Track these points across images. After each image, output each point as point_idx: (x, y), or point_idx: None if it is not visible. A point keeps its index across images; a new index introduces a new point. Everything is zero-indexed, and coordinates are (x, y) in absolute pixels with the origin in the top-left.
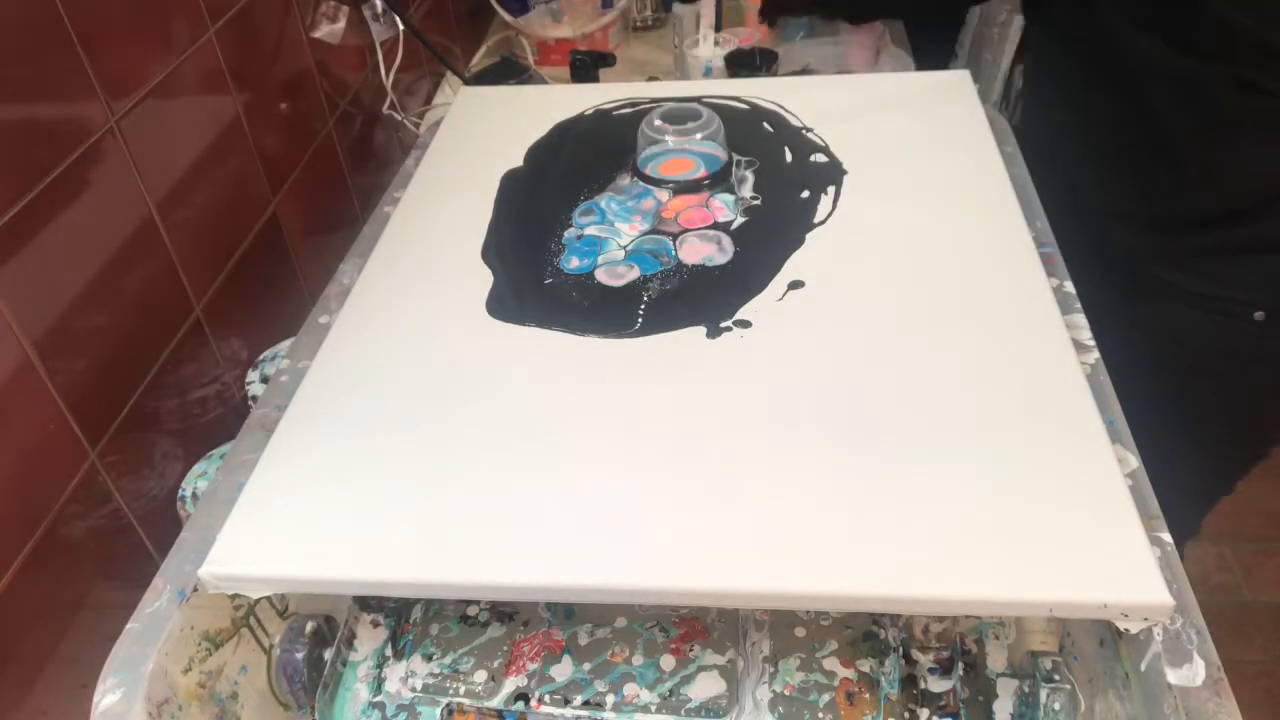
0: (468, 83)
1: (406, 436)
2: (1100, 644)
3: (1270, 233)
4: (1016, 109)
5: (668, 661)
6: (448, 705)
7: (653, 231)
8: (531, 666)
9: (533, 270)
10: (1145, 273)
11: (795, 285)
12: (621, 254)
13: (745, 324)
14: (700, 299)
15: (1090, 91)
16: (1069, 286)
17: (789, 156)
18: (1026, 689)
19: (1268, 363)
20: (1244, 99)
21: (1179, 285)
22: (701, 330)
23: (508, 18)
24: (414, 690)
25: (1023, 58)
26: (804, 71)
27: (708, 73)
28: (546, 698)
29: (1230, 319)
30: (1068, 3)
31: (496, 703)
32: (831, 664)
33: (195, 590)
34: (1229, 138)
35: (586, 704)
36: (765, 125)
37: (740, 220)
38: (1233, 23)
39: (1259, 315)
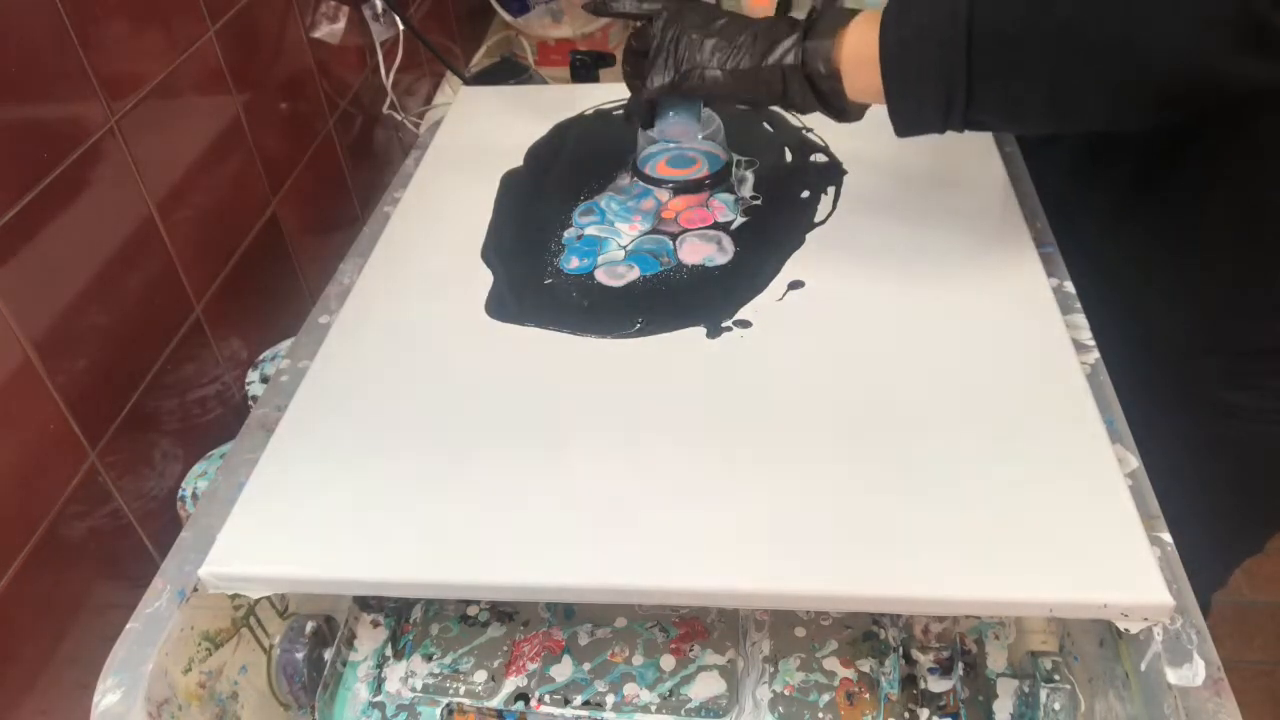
0: (468, 83)
1: (406, 436)
2: (1100, 644)
3: None
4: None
5: (668, 661)
6: (448, 705)
7: (653, 231)
8: (531, 666)
9: (533, 270)
10: (1224, 399)
11: (795, 285)
12: (621, 254)
13: (745, 324)
14: (700, 299)
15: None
16: (1069, 286)
17: (789, 156)
18: (1026, 689)
19: None
20: None
21: (1243, 403)
22: (701, 330)
23: (508, 18)
24: (414, 690)
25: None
26: None
27: None
28: (546, 698)
29: None
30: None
31: (496, 703)
32: (831, 664)
33: (195, 590)
34: None
35: (586, 704)
36: (765, 125)
37: (740, 220)
38: None
39: None
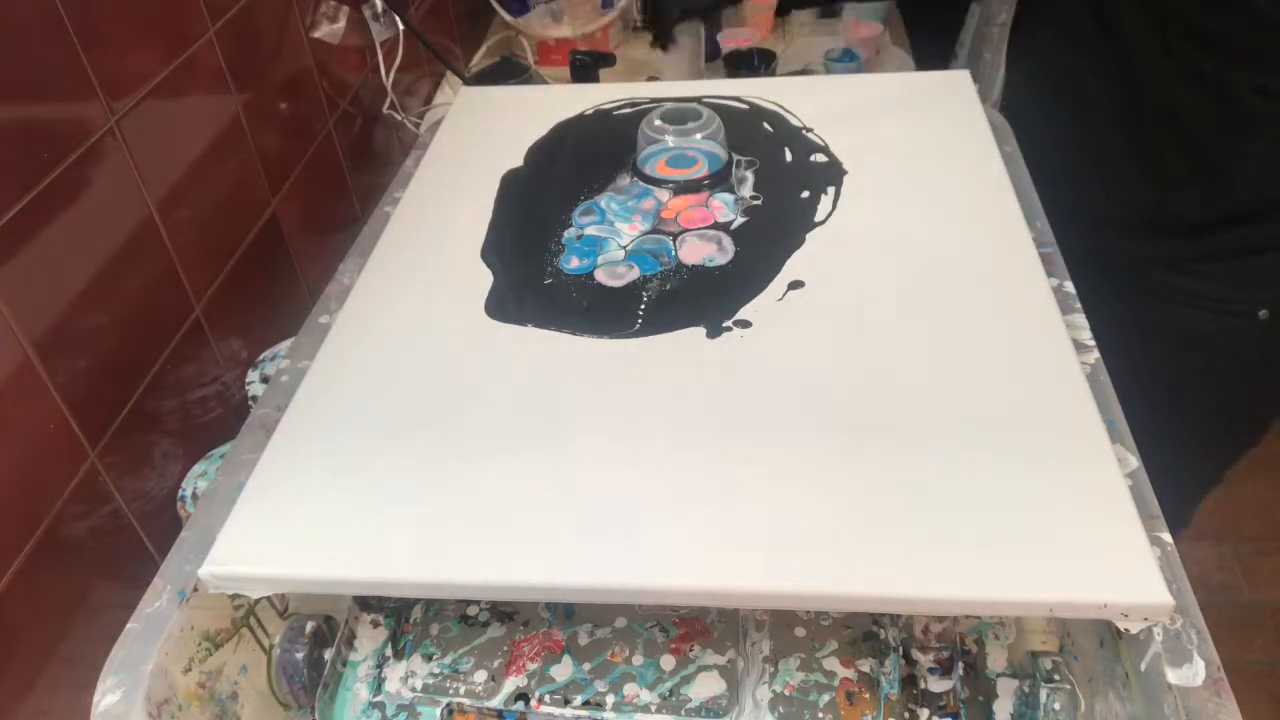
0: (468, 83)
1: (406, 436)
2: (1100, 644)
3: (1276, 234)
4: (1000, 100)
5: (668, 661)
6: (448, 705)
7: (653, 231)
8: (531, 666)
9: (532, 270)
10: (1147, 277)
11: (795, 285)
12: (621, 254)
13: (745, 324)
14: (700, 299)
15: (1095, 92)
16: (1069, 286)
17: (789, 156)
18: (1026, 689)
19: (1269, 359)
20: (1260, 103)
21: (1183, 289)
22: (701, 330)
23: (508, 18)
24: (414, 690)
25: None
26: (804, 71)
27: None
28: (546, 698)
29: (1234, 319)
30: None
31: (496, 703)
32: (831, 664)
33: (195, 590)
34: (1243, 141)
35: (586, 704)
36: (765, 125)
37: (740, 220)
38: (1256, 23)
39: (1263, 314)
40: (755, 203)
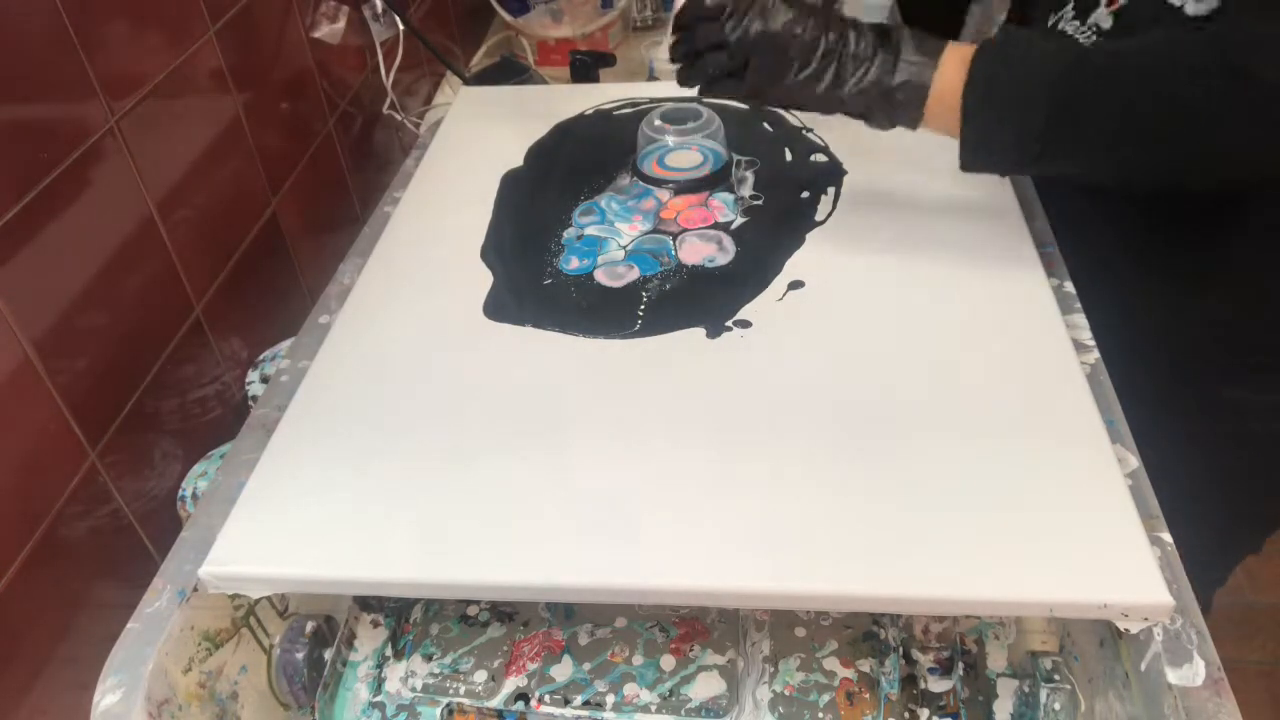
0: (468, 83)
1: (406, 436)
2: (1100, 644)
3: None
4: None
5: (668, 661)
6: (448, 705)
7: (653, 231)
8: (531, 666)
9: (532, 271)
10: (1228, 397)
11: (795, 285)
12: (621, 254)
13: (745, 324)
14: (700, 299)
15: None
16: (1069, 286)
17: (789, 156)
18: (1026, 689)
19: None
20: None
21: (1252, 401)
22: (701, 330)
23: (508, 18)
24: (414, 690)
25: None
26: None
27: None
28: (546, 698)
29: None
30: None
31: (496, 703)
32: (831, 664)
33: (195, 590)
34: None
35: (586, 704)
36: (765, 125)
37: (740, 220)
38: None
39: None
40: (755, 203)
